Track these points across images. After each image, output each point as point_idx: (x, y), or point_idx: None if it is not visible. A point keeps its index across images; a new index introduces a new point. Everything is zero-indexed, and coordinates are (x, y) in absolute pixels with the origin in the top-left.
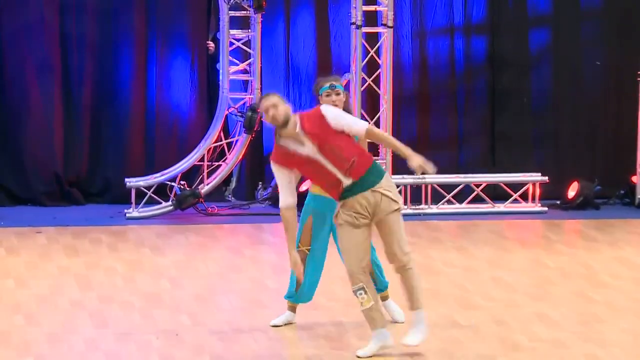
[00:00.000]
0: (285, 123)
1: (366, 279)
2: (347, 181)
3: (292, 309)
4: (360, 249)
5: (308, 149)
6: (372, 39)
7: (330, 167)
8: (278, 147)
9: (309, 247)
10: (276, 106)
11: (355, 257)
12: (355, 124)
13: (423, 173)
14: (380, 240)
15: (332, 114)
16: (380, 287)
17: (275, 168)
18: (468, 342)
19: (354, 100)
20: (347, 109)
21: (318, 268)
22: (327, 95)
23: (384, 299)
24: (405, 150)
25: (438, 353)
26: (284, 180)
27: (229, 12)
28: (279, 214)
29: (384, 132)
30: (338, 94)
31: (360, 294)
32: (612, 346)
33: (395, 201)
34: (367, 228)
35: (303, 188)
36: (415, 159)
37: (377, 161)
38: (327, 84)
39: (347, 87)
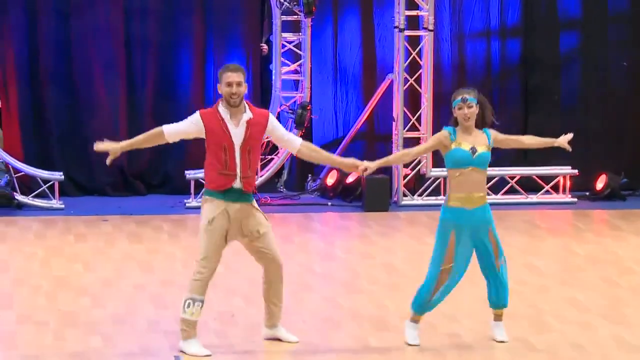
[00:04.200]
0: (241, 101)
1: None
2: (238, 184)
3: (417, 321)
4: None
5: (238, 133)
6: (414, 41)
7: (237, 160)
8: (216, 108)
9: (452, 265)
10: (241, 84)
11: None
12: (290, 140)
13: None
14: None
15: (273, 124)
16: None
17: (194, 117)
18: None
19: (397, 98)
20: (484, 121)
21: (452, 285)
22: (460, 109)
23: (499, 317)
24: (339, 159)
25: (476, 333)
26: (187, 128)
27: (281, 16)
28: (327, 204)
29: (316, 149)
30: (470, 107)
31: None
32: (637, 328)
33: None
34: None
35: (350, 180)
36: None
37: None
38: (459, 97)
39: (390, 87)
